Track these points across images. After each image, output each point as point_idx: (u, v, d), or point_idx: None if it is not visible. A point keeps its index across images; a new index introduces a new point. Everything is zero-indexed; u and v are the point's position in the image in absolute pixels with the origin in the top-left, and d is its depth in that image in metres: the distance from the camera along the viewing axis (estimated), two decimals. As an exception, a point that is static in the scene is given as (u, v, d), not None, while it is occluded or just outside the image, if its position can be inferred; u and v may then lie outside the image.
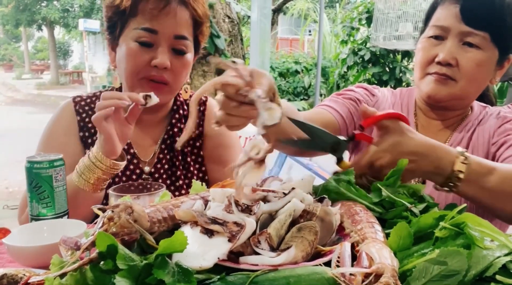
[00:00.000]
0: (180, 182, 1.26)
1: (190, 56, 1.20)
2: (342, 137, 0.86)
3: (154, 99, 1.08)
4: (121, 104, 1.03)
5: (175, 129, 1.29)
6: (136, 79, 1.16)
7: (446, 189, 0.87)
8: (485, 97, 1.27)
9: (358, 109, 0.88)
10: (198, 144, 1.30)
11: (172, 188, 1.26)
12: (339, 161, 0.88)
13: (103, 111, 1.02)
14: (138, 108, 1.08)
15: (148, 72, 1.15)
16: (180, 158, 1.27)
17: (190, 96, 1.35)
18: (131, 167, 1.24)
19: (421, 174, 0.87)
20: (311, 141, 0.83)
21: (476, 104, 1.21)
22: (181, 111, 1.31)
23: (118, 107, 1.04)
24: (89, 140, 1.24)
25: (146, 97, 1.07)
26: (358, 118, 1.21)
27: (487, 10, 1.06)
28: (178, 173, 1.26)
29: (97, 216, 0.64)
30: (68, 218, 1.01)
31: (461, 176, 0.85)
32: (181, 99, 1.33)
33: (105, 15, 1.21)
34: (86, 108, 1.27)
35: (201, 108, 1.34)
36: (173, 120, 1.30)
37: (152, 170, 1.25)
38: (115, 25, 1.19)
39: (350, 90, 1.27)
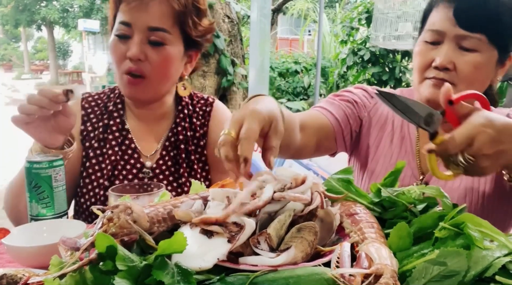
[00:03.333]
0: (183, 179, 1.26)
1: (173, 49, 1.19)
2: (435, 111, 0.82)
3: (76, 94, 1.03)
4: (40, 114, 1.00)
5: (179, 128, 1.30)
6: (120, 73, 1.19)
7: None
8: (488, 97, 1.26)
9: (441, 89, 0.82)
10: (202, 143, 1.31)
11: (175, 184, 1.26)
12: (433, 136, 0.81)
13: (20, 117, 1.00)
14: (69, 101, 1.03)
15: (125, 65, 1.17)
16: (183, 156, 1.28)
17: (190, 94, 1.36)
18: (132, 161, 1.25)
19: (510, 159, 0.80)
20: (405, 114, 0.81)
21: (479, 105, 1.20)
22: (185, 111, 1.32)
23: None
24: (91, 135, 1.27)
25: (67, 92, 1.01)
26: (354, 120, 1.21)
27: (481, 11, 1.04)
28: (182, 170, 1.27)
29: (89, 212, 0.64)
30: (67, 218, 1.01)
31: None
32: (187, 100, 1.34)
33: (109, 19, 1.25)
34: (92, 104, 1.31)
35: (208, 109, 1.34)
36: (178, 120, 1.31)
37: (154, 165, 1.26)
38: (111, 25, 1.24)
39: (348, 91, 1.26)
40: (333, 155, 1.26)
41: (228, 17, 4.47)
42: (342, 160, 1.32)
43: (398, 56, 5.70)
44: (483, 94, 0.87)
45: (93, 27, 14.17)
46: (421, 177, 1.16)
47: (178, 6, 1.17)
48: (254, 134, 0.70)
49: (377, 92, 0.82)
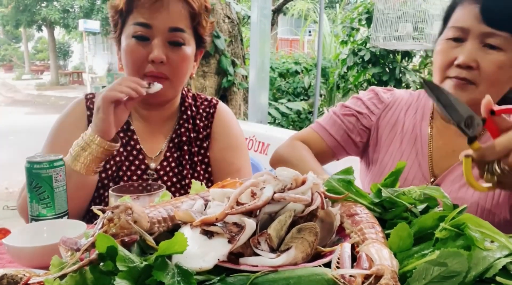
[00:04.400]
0: (187, 180, 1.27)
1: (189, 49, 1.20)
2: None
3: (157, 86, 1.14)
4: (135, 96, 1.08)
5: (183, 129, 1.30)
6: (138, 76, 1.18)
7: None
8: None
9: (482, 101, 0.81)
10: (205, 145, 1.31)
11: (178, 186, 1.26)
12: (472, 140, 0.81)
13: (118, 94, 1.07)
14: (137, 96, 1.12)
15: (147, 68, 1.16)
16: (187, 157, 1.28)
17: (193, 95, 1.37)
18: (137, 162, 1.25)
19: None
20: (446, 109, 0.81)
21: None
22: (189, 112, 1.33)
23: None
24: None
25: (149, 84, 1.13)
26: (358, 133, 1.23)
27: (509, 9, 1.00)
28: (185, 172, 1.27)
29: (93, 212, 0.64)
30: (68, 218, 1.01)
31: None
32: (189, 101, 1.34)
33: (110, 15, 1.24)
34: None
35: (211, 111, 1.35)
36: (181, 121, 1.31)
37: (158, 166, 1.26)
38: (117, 25, 1.22)
39: (358, 99, 1.27)
40: (338, 159, 1.30)
41: (229, 18, 4.47)
42: (343, 160, 1.33)
43: (398, 57, 5.69)
44: None
45: (94, 27, 14.18)
46: (432, 179, 1.14)
47: (197, 7, 1.18)
48: None
49: (422, 81, 0.81)
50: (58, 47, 22.83)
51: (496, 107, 0.80)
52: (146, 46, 1.16)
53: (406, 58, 5.71)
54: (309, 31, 14.21)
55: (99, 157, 1.10)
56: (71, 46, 25.63)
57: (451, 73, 1.05)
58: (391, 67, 5.64)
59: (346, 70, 6.04)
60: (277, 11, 8.25)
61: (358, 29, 5.91)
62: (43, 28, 20.12)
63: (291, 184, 0.68)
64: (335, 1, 13.94)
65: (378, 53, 5.59)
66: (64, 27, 19.57)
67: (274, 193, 0.65)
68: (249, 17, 5.03)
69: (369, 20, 5.41)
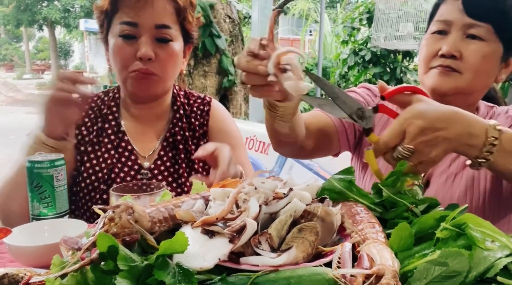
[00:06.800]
0: (183, 179, 1.26)
1: (177, 45, 1.21)
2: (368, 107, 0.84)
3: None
4: (82, 93, 1.07)
5: (177, 128, 1.30)
6: (127, 73, 1.18)
7: (482, 160, 0.83)
8: (492, 100, 1.24)
9: (377, 85, 0.86)
10: (202, 143, 1.31)
11: (174, 184, 1.26)
12: (368, 133, 0.84)
13: (60, 95, 1.06)
14: (89, 95, 1.10)
15: (135, 66, 1.17)
16: (182, 156, 1.28)
17: (186, 93, 1.37)
18: (129, 163, 1.25)
19: (455, 144, 0.82)
20: (334, 101, 0.81)
21: (483, 105, 1.19)
22: (181, 111, 1.32)
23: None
24: (86, 139, 1.26)
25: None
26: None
27: (490, 2, 1.06)
28: (181, 170, 1.26)
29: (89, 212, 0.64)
30: (69, 217, 1.01)
31: (496, 142, 0.82)
32: (182, 99, 1.34)
33: (95, 16, 1.25)
34: (86, 106, 1.28)
35: (206, 109, 1.35)
36: (174, 120, 1.31)
37: (152, 166, 1.26)
38: (103, 25, 1.23)
39: (351, 91, 1.26)
40: (336, 155, 1.25)
41: (229, 17, 4.47)
42: (344, 160, 1.32)
43: (399, 57, 5.69)
44: (419, 87, 0.88)
45: (95, 27, 14.21)
46: (422, 174, 1.13)
47: (182, 3, 1.19)
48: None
49: (305, 71, 0.81)
50: (59, 47, 22.84)
51: (386, 91, 0.83)
52: (133, 44, 1.16)
53: (407, 58, 5.70)
54: (310, 31, 14.20)
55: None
56: (72, 46, 25.65)
57: (435, 63, 1.08)
58: (392, 67, 5.64)
59: (347, 70, 6.03)
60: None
61: (359, 29, 5.91)
62: (44, 27, 20.12)
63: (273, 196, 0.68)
64: (336, 1, 13.94)
65: (379, 53, 5.59)
66: (65, 27, 19.59)
67: (260, 206, 0.65)
68: (250, 16, 5.03)
69: (370, 20, 5.40)
